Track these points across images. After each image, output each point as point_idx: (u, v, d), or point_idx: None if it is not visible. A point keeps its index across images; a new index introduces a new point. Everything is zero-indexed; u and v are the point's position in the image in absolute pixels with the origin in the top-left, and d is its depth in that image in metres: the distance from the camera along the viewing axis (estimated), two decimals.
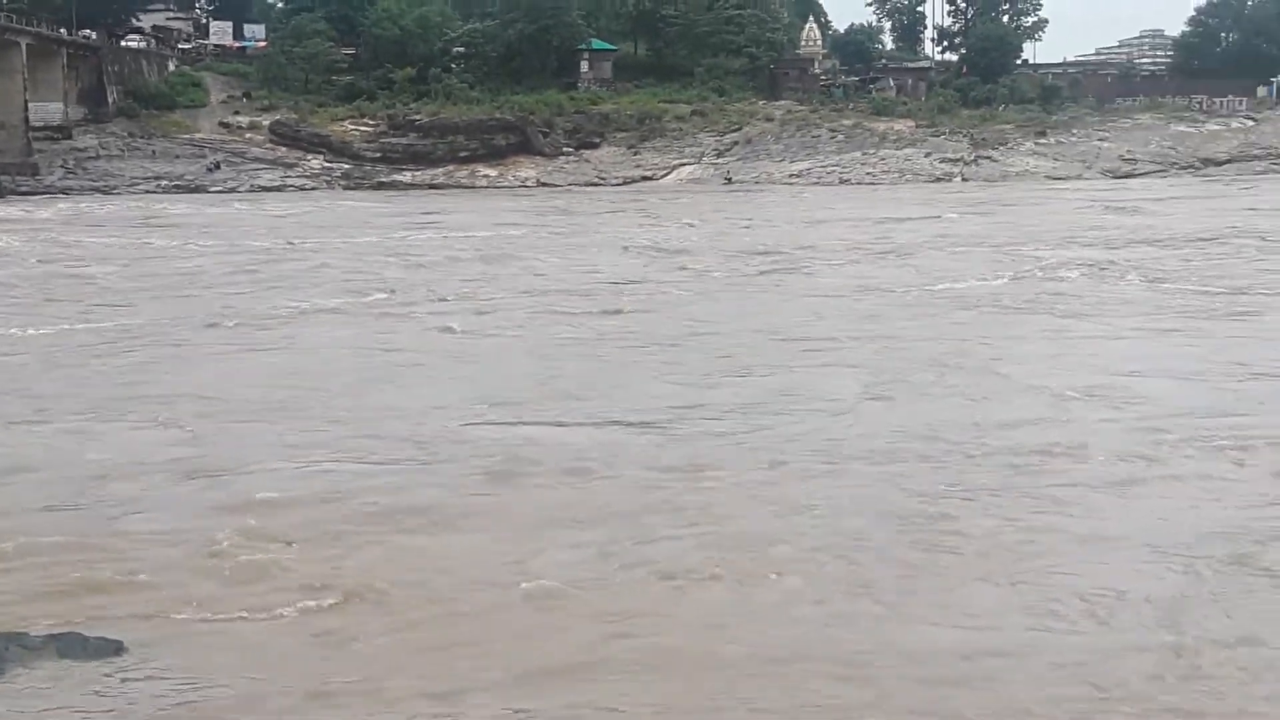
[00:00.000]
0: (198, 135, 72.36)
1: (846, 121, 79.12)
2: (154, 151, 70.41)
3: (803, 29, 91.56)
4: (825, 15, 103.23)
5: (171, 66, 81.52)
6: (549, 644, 9.50)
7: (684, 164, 74.66)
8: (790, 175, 72.83)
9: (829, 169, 73.69)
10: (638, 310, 25.80)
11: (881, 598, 10.35)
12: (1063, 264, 32.45)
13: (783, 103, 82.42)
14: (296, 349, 21.69)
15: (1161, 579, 10.65)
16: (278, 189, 67.77)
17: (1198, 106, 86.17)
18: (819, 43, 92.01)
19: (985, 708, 8.54)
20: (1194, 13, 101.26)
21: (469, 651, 9.42)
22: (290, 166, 71.44)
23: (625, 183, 71.63)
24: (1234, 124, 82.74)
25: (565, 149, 75.25)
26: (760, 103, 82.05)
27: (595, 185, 70.76)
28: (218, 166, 69.59)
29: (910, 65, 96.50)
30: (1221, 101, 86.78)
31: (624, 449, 14.72)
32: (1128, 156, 77.33)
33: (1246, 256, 34.36)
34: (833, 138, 77.09)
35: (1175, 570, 10.83)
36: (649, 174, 73.42)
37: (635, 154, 75.42)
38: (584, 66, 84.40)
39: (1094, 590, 10.36)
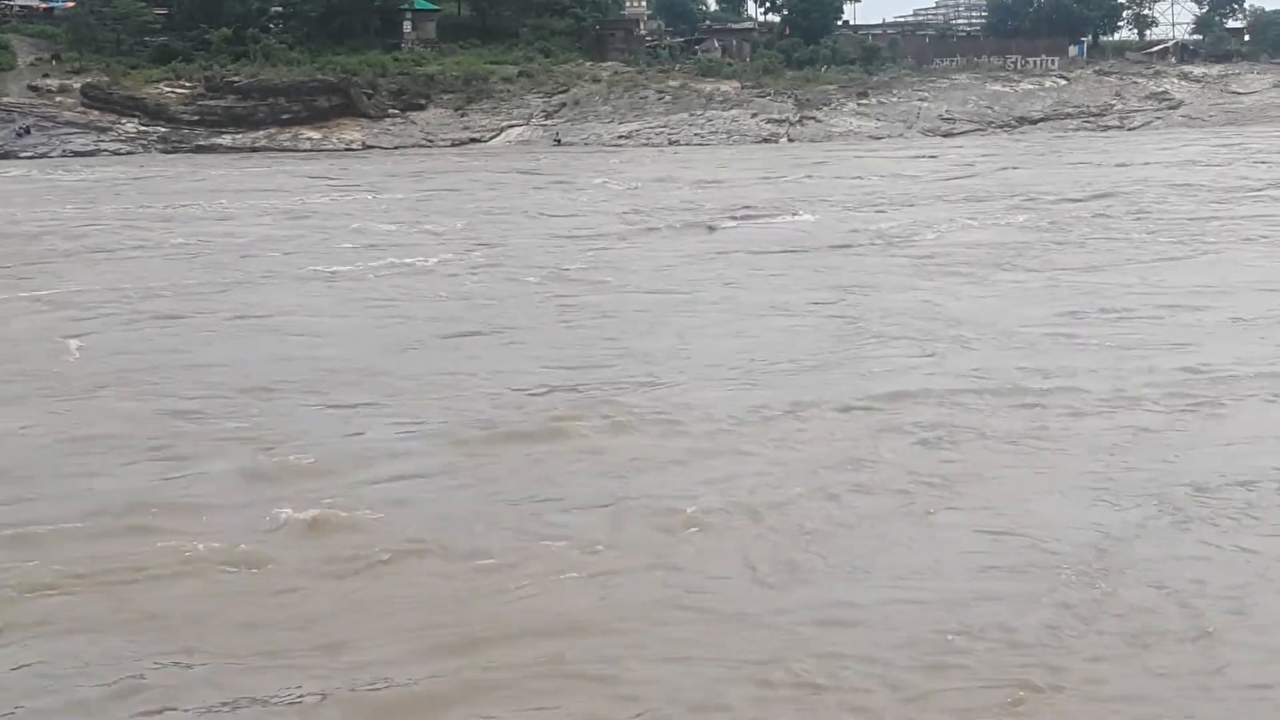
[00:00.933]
0: (5, 99, 69.16)
1: (673, 83, 79.14)
2: None
3: None
4: None
5: None
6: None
7: (513, 125, 73.84)
8: (619, 137, 72.53)
9: (658, 130, 73.58)
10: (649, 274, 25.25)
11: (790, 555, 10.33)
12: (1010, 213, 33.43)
13: (609, 64, 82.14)
14: (285, 316, 20.95)
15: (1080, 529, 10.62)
16: (92, 153, 64.99)
17: (1012, 66, 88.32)
18: (644, 4, 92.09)
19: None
20: None
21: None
22: (104, 130, 68.74)
23: (454, 145, 70.44)
24: (1047, 83, 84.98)
25: (391, 111, 73.66)
26: (587, 64, 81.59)
27: (423, 147, 69.26)
28: (28, 131, 66.63)
29: (734, 26, 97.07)
30: (1035, 61, 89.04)
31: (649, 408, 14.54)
32: (946, 116, 78.89)
33: (1180, 203, 35.23)
34: (660, 99, 77.03)
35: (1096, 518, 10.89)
36: (477, 136, 72.39)
37: (463, 116, 74.27)
38: (407, 27, 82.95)
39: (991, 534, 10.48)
